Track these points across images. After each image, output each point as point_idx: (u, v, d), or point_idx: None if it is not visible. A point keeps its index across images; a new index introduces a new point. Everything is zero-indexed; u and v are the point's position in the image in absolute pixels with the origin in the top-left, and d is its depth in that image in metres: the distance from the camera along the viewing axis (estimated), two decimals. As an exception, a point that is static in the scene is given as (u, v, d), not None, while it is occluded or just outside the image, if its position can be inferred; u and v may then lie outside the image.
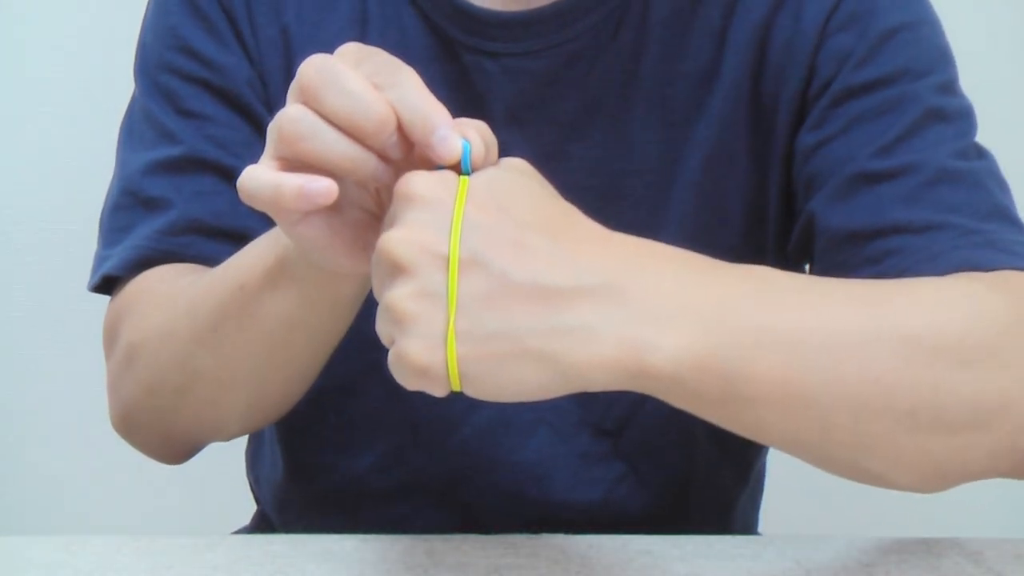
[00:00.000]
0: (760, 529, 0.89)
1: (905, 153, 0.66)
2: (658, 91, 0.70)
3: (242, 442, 0.89)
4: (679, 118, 0.71)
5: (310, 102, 0.50)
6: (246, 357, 0.65)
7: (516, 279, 0.48)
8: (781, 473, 1.46)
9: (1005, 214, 0.65)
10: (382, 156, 0.52)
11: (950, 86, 0.69)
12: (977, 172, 0.66)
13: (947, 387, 0.52)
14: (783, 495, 1.37)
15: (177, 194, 0.71)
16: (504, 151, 0.70)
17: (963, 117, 0.68)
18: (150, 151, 0.72)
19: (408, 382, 0.49)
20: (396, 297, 0.49)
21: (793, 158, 0.70)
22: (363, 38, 0.71)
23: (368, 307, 0.70)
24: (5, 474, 1.55)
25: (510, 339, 0.48)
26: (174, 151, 0.71)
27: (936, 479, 0.55)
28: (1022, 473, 0.56)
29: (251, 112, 0.72)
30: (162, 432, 0.73)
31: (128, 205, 0.73)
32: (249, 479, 0.88)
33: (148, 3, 0.77)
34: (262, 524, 0.86)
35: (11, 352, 1.48)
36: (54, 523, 1.53)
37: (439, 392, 0.49)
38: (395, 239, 0.49)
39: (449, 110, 0.70)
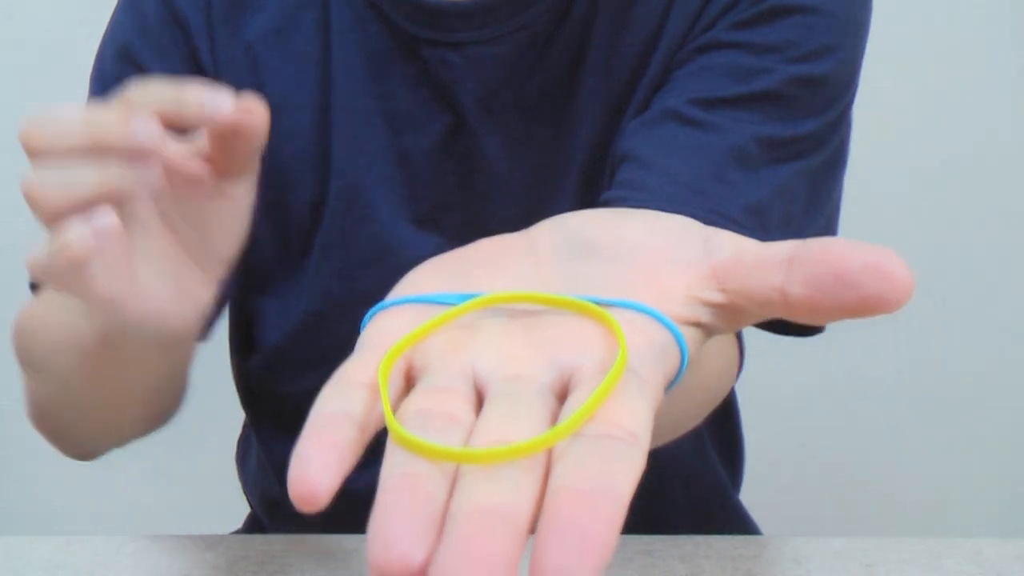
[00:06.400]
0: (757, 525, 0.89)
1: (720, 116, 0.63)
2: (604, 63, 0.69)
3: (242, 442, 0.89)
4: (621, 88, 0.69)
5: (37, 156, 0.48)
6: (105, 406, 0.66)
7: None
8: (781, 473, 1.46)
9: (759, 214, 0.60)
10: (137, 159, 0.48)
11: (814, 87, 0.64)
12: (773, 170, 0.62)
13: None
14: (783, 495, 1.37)
15: None
16: (477, 140, 0.70)
17: (804, 119, 0.63)
18: None
19: None
20: None
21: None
22: (327, 45, 0.71)
23: (343, 311, 0.70)
24: (5, 474, 1.55)
25: None
26: None
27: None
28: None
29: None
30: (53, 437, 0.73)
31: None
32: (240, 481, 0.88)
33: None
34: (254, 527, 0.86)
35: (10, 353, 1.48)
36: (54, 523, 1.54)
37: None
38: None
39: (416, 107, 0.70)
